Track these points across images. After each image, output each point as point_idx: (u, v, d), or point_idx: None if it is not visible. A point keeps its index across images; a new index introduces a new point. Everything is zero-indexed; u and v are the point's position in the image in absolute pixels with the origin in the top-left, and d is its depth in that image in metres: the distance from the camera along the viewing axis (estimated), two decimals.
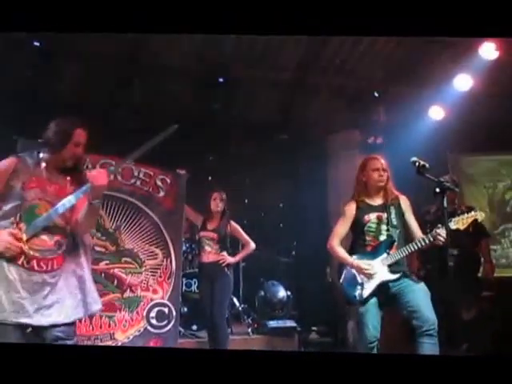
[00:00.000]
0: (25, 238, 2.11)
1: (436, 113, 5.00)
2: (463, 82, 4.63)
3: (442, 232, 2.72)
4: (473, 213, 2.83)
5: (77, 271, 2.25)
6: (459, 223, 2.79)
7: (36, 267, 2.14)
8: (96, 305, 2.31)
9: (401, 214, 3.01)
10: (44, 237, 2.17)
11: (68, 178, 2.28)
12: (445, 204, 2.64)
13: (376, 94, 4.97)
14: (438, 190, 2.69)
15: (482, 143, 5.05)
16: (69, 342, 2.20)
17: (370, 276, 2.88)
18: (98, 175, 2.15)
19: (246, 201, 6.09)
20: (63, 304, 2.18)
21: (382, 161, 3.04)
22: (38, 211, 2.17)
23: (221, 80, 4.70)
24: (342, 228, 3.05)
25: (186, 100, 4.99)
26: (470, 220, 2.80)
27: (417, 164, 2.76)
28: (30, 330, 2.10)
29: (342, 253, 3.01)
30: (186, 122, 5.20)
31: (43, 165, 2.25)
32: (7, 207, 2.16)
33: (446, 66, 4.52)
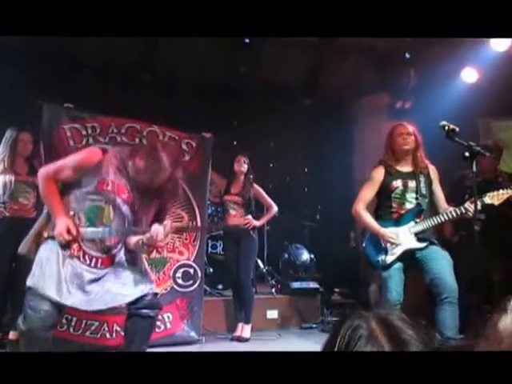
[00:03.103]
0: (76, 232, 2.14)
1: (469, 75, 4.77)
2: (501, 42, 4.28)
3: (472, 207, 2.70)
4: (509, 190, 2.79)
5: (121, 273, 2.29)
6: (494, 198, 2.77)
7: (81, 258, 2.19)
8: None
9: (429, 183, 2.97)
10: (96, 241, 2.21)
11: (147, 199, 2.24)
12: (474, 169, 2.57)
13: (407, 56, 4.78)
14: (467, 154, 2.60)
15: None
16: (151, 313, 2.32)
17: (395, 245, 2.88)
18: (158, 231, 2.15)
19: (271, 165, 6.09)
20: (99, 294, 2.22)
21: (409, 126, 2.98)
22: (100, 213, 2.19)
23: (246, 41, 4.60)
24: (368, 192, 2.98)
25: (211, 63, 4.92)
26: (505, 196, 2.78)
27: (446, 128, 2.67)
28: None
29: (368, 218, 2.95)
30: (211, 86, 5.23)
31: (128, 171, 2.20)
32: (79, 193, 2.19)
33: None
